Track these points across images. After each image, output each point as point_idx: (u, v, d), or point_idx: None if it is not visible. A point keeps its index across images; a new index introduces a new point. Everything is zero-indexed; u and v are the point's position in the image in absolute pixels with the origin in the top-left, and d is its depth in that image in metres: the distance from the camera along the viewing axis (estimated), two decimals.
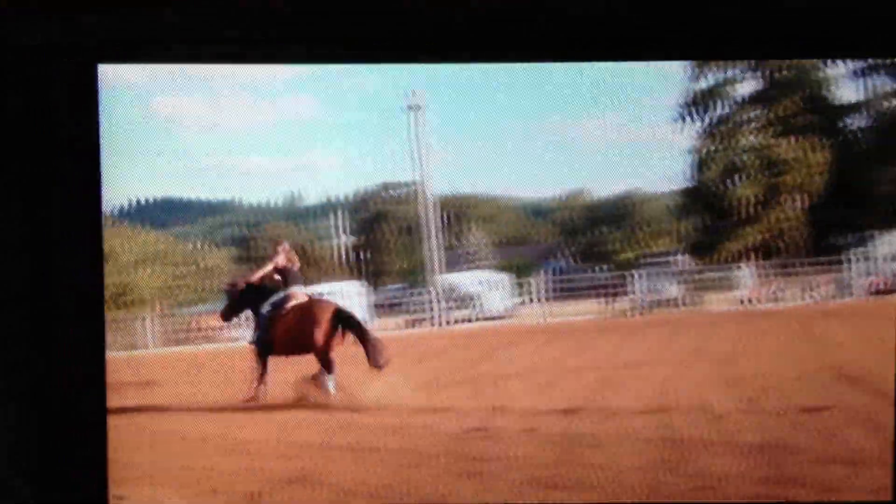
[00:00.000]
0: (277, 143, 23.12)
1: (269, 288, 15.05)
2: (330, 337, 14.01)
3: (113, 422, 9.69)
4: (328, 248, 24.21)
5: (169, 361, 17.72)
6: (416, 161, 20.59)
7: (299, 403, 13.28)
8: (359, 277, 22.29)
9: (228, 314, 15.16)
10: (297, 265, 15.40)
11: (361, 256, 22.94)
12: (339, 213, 24.57)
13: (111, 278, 21.97)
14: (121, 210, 23.82)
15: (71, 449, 7.84)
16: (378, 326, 15.67)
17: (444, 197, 21.66)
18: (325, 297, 15.42)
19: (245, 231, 26.19)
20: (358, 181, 26.16)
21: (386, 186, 24.57)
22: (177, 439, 11.53)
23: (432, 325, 17.06)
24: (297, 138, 23.05)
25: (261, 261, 25.26)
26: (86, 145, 7.17)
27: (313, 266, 23.75)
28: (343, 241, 23.95)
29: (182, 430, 12.07)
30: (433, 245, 21.11)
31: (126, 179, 22.96)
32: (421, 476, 9.30)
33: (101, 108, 7.89)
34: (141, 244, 23.26)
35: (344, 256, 23.65)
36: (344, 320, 14.93)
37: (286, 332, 14.34)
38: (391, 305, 21.30)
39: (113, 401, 8.33)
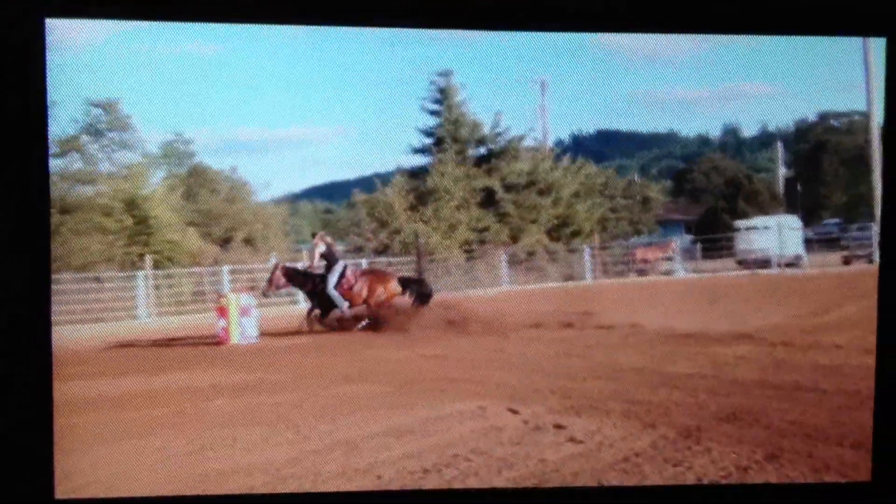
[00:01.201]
0: (711, 73, 22.86)
1: (311, 273, 17.19)
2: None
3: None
4: (765, 180, 23.74)
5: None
6: (863, 89, 19.70)
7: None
8: (795, 211, 21.75)
9: (276, 288, 16.40)
10: (335, 246, 16.62)
11: (799, 189, 22.36)
12: (778, 145, 23.98)
13: (554, 210, 22.87)
14: (563, 143, 24.62)
15: None
16: (812, 262, 15.21)
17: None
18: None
19: (682, 164, 26.21)
20: (799, 111, 25.31)
21: (827, 116, 23.68)
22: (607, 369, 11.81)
23: (872, 261, 16.33)
24: (730, 68, 22.68)
25: (697, 193, 25.31)
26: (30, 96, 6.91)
27: (750, 200, 23.37)
28: (781, 173, 23.39)
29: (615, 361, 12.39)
30: (877, 178, 20.17)
31: (570, 112, 23.70)
32: (855, 419, 9.04)
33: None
34: (582, 177, 23.90)
35: (781, 189, 23.14)
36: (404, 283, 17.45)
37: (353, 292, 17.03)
38: (828, 241, 20.63)
39: None
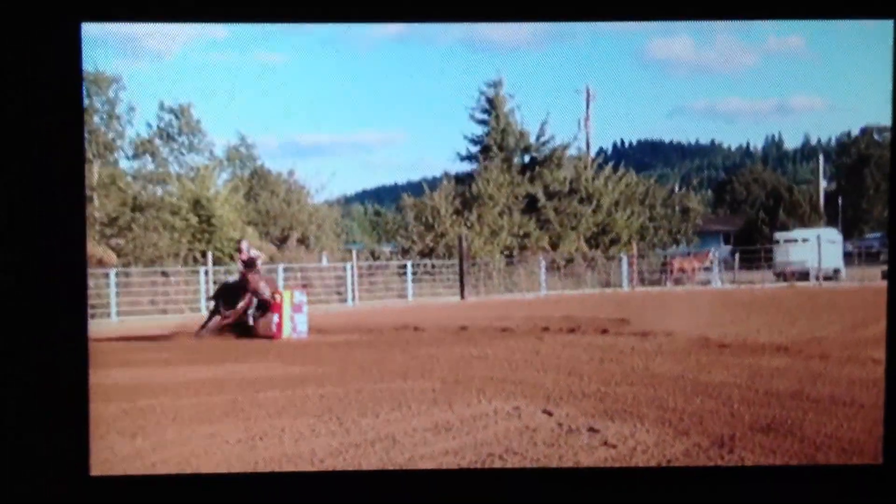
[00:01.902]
0: (762, 85, 22.87)
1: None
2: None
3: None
4: (806, 192, 23.71)
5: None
6: None
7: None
8: (836, 224, 21.70)
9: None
10: (253, 253, 16.64)
11: (840, 202, 22.31)
12: (821, 157, 23.96)
13: (594, 218, 23.00)
14: (605, 152, 24.73)
15: None
16: (852, 276, 15.19)
17: None
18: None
19: (723, 174, 26.22)
20: (843, 124, 25.31)
21: (872, 129, 23.61)
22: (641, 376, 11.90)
23: None
24: (782, 80, 22.69)
25: (737, 204, 25.27)
26: (70, 105, 6.97)
27: (791, 212, 23.37)
28: (822, 186, 23.37)
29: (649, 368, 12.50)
30: None
31: (614, 121, 23.81)
32: None
33: None
34: (623, 186, 24.02)
35: (822, 202, 23.09)
36: None
37: None
38: (868, 255, 20.57)
39: None
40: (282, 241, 22.02)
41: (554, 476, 7.38)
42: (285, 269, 20.14)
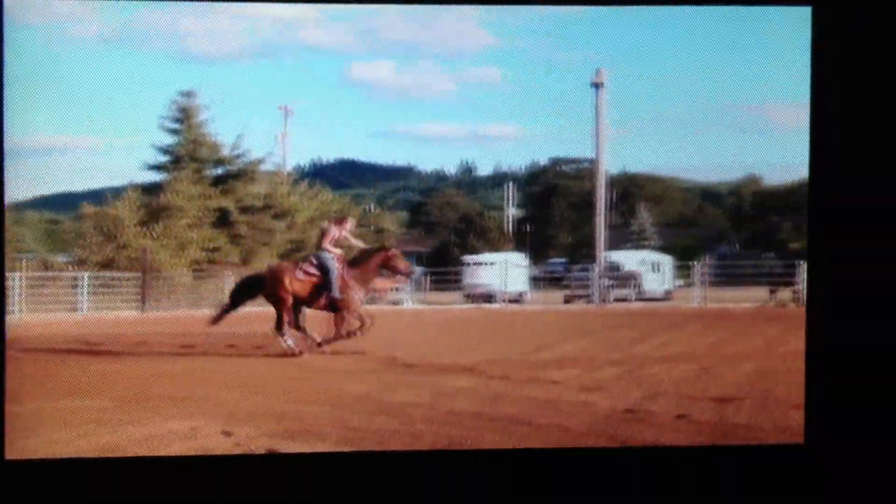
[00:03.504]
0: (459, 112, 23.37)
1: None
2: None
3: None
4: (497, 218, 24.39)
5: None
6: (593, 137, 20.50)
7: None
8: (523, 249, 22.39)
9: None
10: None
11: (528, 229, 23.07)
12: (511, 185, 24.71)
13: (288, 234, 22.76)
14: (303, 169, 24.56)
15: None
16: (536, 299, 15.65)
17: (616, 175, 21.54)
18: None
19: (418, 197, 26.59)
20: (533, 154, 26.25)
21: (559, 161, 24.60)
22: (327, 395, 11.77)
23: (591, 301, 16.95)
24: (478, 108, 23.25)
25: (431, 226, 25.69)
26: None
27: (480, 236, 24.00)
28: (512, 212, 24.10)
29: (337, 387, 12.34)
30: (601, 222, 21.02)
31: (313, 139, 23.67)
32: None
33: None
34: (319, 203, 23.89)
35: (511, 228, 23.80)
36: None
37: None
38: (552, 279, 21.32)
39: None
40: None
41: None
42: None
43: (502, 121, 22.34)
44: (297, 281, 15.20)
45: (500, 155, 26.75)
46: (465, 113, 22.56)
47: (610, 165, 21.34)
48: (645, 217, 21.86)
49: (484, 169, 25.58)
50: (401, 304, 21.27)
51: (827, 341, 7.86)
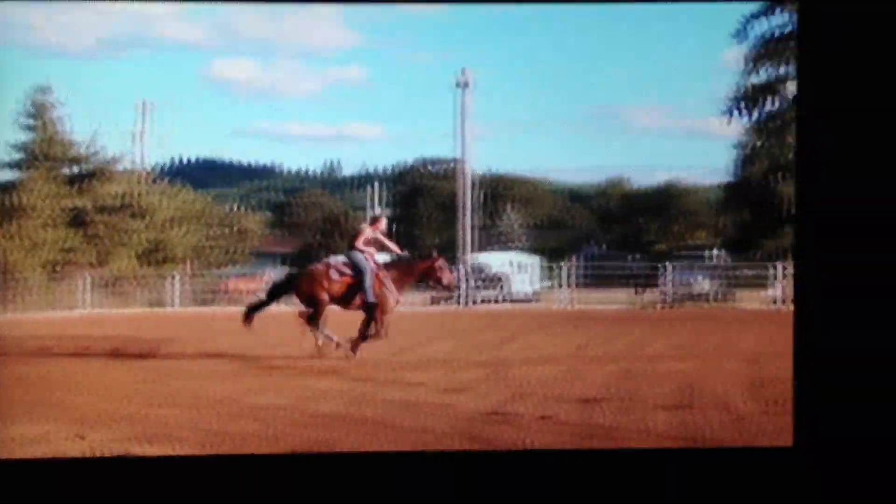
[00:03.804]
0: (323, 112, 23.14)
1: None
2: None
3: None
4: (362, 218, 24.17)
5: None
6: (458, 138, 20.48)
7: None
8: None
9: None
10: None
11: (394, 229, 22.94)
12: (377, 185, 24.54)
13: (147, 234, 22.22)
14: (162, 167, 23.98)
15: None
16: (403, 301, 15.53)
17: (483, 176, 21.57)
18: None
19: (282, 197, 26.25)
20: (399, 154, 26.15)
21: (426, 161, 24.54)
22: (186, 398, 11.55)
23: (458, 303, 16.88)
24: (342, 108, 23.07)
25: (295, 226, 25.39)
26: None
27: (345, 236, 23.74)
28: (377, 213, 23.92)
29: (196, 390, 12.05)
30: (467, 223, 20.99)
31: (172, 137, 23.19)
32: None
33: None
34: (179, 202, 23.37)
35: None
36: None
37: None
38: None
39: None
40: None
41: None
42: None
43: (368, 120, 22.24)
44: (333, 282, 14.97)
45: (366, 155, 26.68)
46: (329, 112, 22.37)
47: (477, 166, 21.33)
48: (513, 218, 21.92)
49: (350, 169, 25.40)
50: None
51: (815, 344, 7.85)
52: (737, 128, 20.19)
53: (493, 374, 12.93)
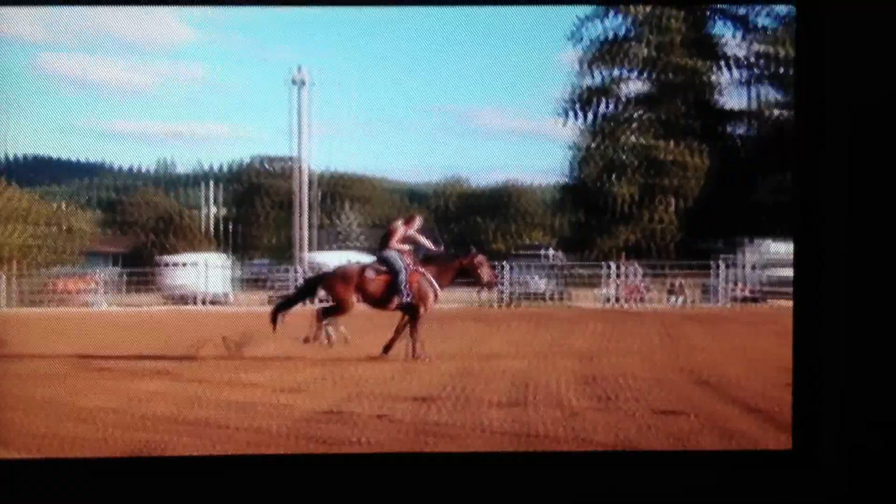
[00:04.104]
0: (155, 109, 22.64)
1: None
2: None
3: None
4: (197, 218, 23.80)
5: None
6: (295, 136, 20.29)
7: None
8: (226, 250, 21.99)
9: None
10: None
11: (231, 229, 22.64)
12: (212, 184, 24.16)
13: None
14: None
15: None
16: (240, 301, 15.39)
17: (322, 175, 21.44)
18: None
19: (113, 195, 25.57)
20: (235, 152, 25.82)
21: (263, 160, 24.26)
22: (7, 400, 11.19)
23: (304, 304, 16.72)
24: (176, 104, 22.60)
25: (127, 225, 24.82)
26: None
27: (179, 236, 23.35)
28: (213, 211, 23.56)
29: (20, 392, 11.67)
30: (304, 222, 20.84)
31: None
32: None
33: None
34: (4, 200, 22.51)
35: (213, 228, 23.28)
36: None
37: None
38: (256, 280, 21.04)
39: None
40: None
41: None
42: None
43: (204, 118, 21.85)
44: (370, 281, 14.63)
45: (202, 153, 26.20)
46: (163, 109, 21.85)
47: (316, 165, 21.17)
48: (351, 217, 21.83)
49: (184, 167, 24.89)
50: (93, 306, 20.50)
51: (815, 346, 7.88)
52: (572, 129, 20.50)
53: (329, 374, 12.89)
